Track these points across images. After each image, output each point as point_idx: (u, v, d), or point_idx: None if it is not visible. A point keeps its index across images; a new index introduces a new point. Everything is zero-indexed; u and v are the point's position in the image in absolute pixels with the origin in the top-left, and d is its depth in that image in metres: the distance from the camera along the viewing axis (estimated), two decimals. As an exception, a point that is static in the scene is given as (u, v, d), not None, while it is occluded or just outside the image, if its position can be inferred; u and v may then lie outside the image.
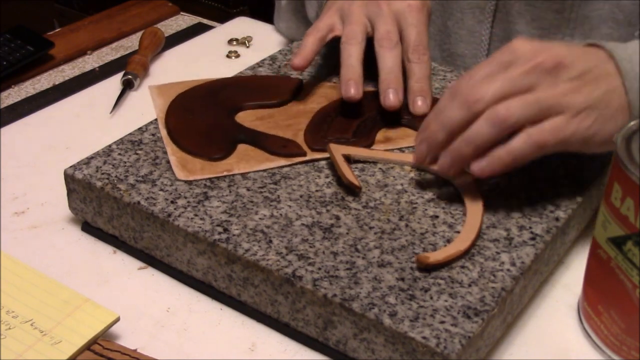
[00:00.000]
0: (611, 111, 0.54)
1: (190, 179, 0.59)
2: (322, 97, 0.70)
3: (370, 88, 0.72)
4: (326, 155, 0.62)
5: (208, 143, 0.63)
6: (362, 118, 0.66)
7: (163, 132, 0.64)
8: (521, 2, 0.79)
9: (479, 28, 0.82)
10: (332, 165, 0.60)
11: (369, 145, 0.64)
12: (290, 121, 0.66)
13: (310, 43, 0.70)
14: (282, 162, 0.61)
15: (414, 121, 0.66)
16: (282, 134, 0.64)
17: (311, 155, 0.62)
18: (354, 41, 0.69)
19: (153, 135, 0.65)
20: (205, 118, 0.66)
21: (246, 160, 0.61)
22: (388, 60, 0.67)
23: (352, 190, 0.58)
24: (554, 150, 0.53)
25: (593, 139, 0.54)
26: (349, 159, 0.60)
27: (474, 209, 0.55)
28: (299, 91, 0.71)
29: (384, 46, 0.67)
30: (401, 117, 0.67)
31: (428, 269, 0.51)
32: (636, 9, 0.75)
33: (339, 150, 0.60)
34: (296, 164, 0.61)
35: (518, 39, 0.55)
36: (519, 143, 0.53)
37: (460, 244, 0.52)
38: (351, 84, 0.66)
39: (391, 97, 0.65)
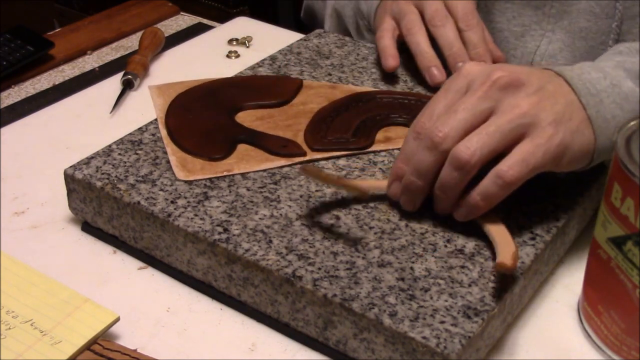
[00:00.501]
0: (575, 124, 0.53)
1: (190, 179, 0.59)
2: (321, 97, 0.70)
3: (369, 88, 0.72)
4: (326, 155, 0.62)
5: (208, 143, 0.63)
6: (362, 118, 0.66)
7: (163, 132, 0.64)
8: (501, 1, 0.80)
9: None
10: (318, 174, 0.56)
11: (368, 145, 0.63)
12: (290, 121, 0.66)
13: (390, 43, 0.73)
14: (282, 162, 0.61)
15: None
16: (282, 134, 0.64)
17: (311, 155, 0.62)
18: (414, 29, 0.72)
19: (153, 135, 0.65)
20: (205, 118, 0.66)
21: (246, 160, 0.61)
22: (445, 36, 0.71)
23: (359, 197, 0.57)
24: (526, 178, 0.52)
25: (564, 155, 0.53)
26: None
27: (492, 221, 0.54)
28: (299, 91, 0.71)
29: (436, 25, 0.71)
30: (400, 116, 0.67)
31: (511, 272, 0.49)
32: (612, 2, 0.77)
33: (316, 170, 0.56)
34: (296, 164, 0.61)
35: (468, 64, 0.55)
36: (490, 185, 0.51)
37: (507, 250, 0.50)
38: (433, 70, 0.70)
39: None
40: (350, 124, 0.66)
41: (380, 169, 0.61)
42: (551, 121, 0.52)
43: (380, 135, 0.65)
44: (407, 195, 0.55)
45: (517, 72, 0.53)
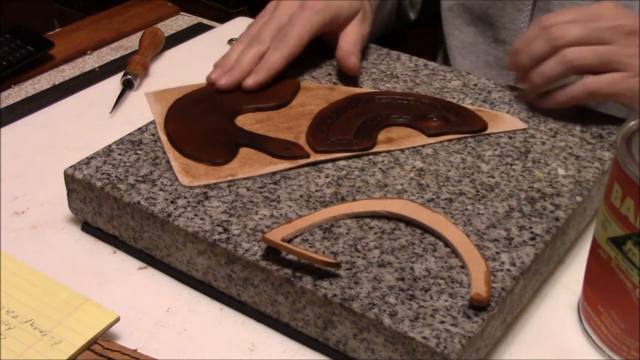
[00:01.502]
0: None
1: (194, 184, 0.58)
2: (320, 98, 0.70)
3: (368, 89, 0.72)
4: (330, 156, 0.62)
5: (210, 148, 0.62)
6: (363, 119, 0.66)
7: (163, 138, 0.64)
8: None
9: (518, 16, 0.85)
10: (329, 166, 0.59)
11: (371, 146, 0.63)
12: (290, 123, 0.66)
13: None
14: (286, 164, 0.61)
15: (415, 121, 0.66)
16: (283, 137, 0.64)
17: (315, 157, 0.62)
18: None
19: (153, 135, 0.65)
20: (205, 123, 0.66)
21: (249, 164, 0.61)
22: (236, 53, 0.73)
23: (331, 268, 0.51)
24: (605, 99, 0.64)
25: (636, 96, 0.63)
26: (289, 241, 0.53)
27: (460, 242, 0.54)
28: (297, 93, 0.71)
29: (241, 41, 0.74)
30: (400, 117, 0.67)
31: (487, 303, 0.48)
32: None
33: (277, 237, 0.52)
34: (300, 166, 0.61)
35: (604, 1, 0.65)
36: (575, 88, 0.64)
37: (478, 269, 0.51)
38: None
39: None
40: (351, 125, 0.66)
41: (380, 169, 0.61)
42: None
43: (382, 135, 0.65)
44: (515, 69, 0.68)
45: (636, 24, 0.64)
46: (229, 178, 0.59)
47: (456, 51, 0.91)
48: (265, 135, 0.64)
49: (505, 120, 0.67)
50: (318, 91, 0.71)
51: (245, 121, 0.67)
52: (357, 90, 0.71)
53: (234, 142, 0.63)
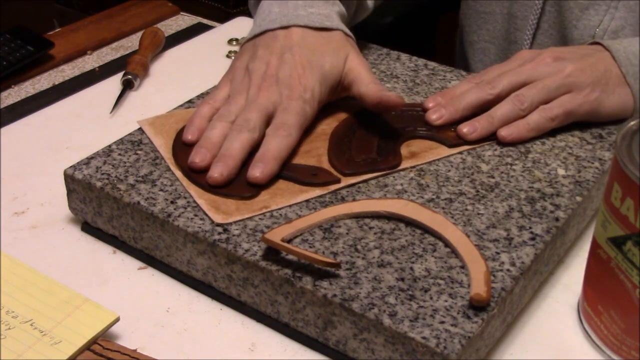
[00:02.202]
0: (611, 87, 0.66)
1: (229, 221, 0.55)
2: (329, 117, 0.67)
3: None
4: (361, 178, 0.59)
5: (233, 181, 0.58)
6: (380, 135, 0.64)
7: (178, 174, 0.60)
8: None
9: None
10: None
11: (397, 164, 0.61)
12: (306, 147, 0.63)
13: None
14: (318, 192, 0.58)
15: (434, 133, 0.65)
16: (304, 162, 0.61)
17: (346, 181, 0.59)
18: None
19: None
20: None
21: (280, 194, 0.58)
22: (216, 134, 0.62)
23: (331, 268, 0.51)
24: (565, 121, 0.65)
25: (599, 110, 0.66)
26: (289, 241, 0.53)
27: (459, 241, 0.54)
28: None
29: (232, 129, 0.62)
30: (415, 129, 0.65)
31: (487, 303, 0.48)
32: None
33: (277, 237, 0.52)
34: (332, 192, 0.58)
35: (522, 51, 0.70)
36: (535, 116, 0.64)
37: (478, 270, 0.51)
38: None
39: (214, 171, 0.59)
40: (370, 142, 0.63)
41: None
42: (589, 83, 0.65)
43: (404, 150, 0.63)
44: (438, 114, 0.66)
45: (563, 52, 0.68)
46: (263, 211, 0.56)
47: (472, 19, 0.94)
48: (286, 162, 0.61)
49: None
50: (324, 109, 0.68)
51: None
52: (360, 103, 0.68)
53: None
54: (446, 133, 0.65)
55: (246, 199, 0.57)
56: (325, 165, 0.61)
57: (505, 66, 0.69)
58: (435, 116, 0.66)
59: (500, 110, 0.65)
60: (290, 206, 0.57)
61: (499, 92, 0.65)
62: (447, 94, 0.68)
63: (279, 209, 0.56)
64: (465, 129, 0.64)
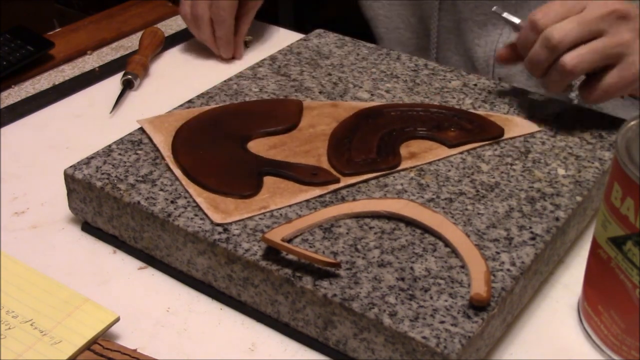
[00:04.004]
0: None
1: (228, 221, 0.55)
2: (327, 117, 0.67)
3: (369, 103, 0.72)
4: (359, 178, 0.59)
5: (233, 180, 0.59)
6: (380, 135, 0.64)
7: (177, 172, 0.60)
8: None
9: (429, 22, 0.87)
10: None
11: (397, 163, 0.61)
12: (306, 147, 0.63)
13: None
14: (317, 191, 0.58)
15: (434, 133, 0.65)
16: (304, 162, 0.61)
17: (345, 181, 0.59)
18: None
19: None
20: (218, 153, 0.62)
21: (280, 194, 0.58)
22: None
23: (331, 268, 0.51)
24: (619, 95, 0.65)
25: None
26: (289, 241, 0.54)
27: (459, 241, 0.54)
28: (302, 113, 0.68)
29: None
30: (415, 129, 0.65)
31: (487, 303, 0.49)
32: None
33: (277, 237, 0.52)
34: (332, 192, 0.58)
35: None
36: (583, 93, 0.65)
37: (478, 269, 0.51)
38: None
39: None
40: (370, 142, 0.63)
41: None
42: None
43: (403, 150, 0.63)
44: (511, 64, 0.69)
45: (630, 8, 0.64)
46: (262, 211, 0.56)
47: None
48: (286, 161, 0.61)
49: (519, 124, 0.67)
50: (323, 109, 0.68)
51: (259, 147, 0.63)
52: (360, 105, 0.69)
53: (256, 171, 0.60)
54: (446, 133, 0.65)
55: (245, 198, 0.57)
56: (325, 165, 0.61)
57: (563, 3, 0.65)
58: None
59: (550, 79, 0.65)
60: (290, 206, 0.57)
61: (557, 51, 0.63)
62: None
63: (279, 208, 0.56)
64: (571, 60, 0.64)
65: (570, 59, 0.62)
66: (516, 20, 0.69)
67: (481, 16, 0.85)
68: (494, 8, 0.70)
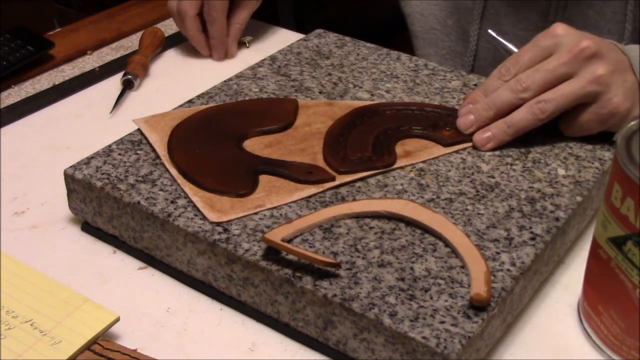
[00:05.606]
0: (636, 101, 0.63)
1: (224, 219, 0.55)
2: (323, 116, 0.67)
3: (364, 102, 0.72)
4: (355, 177, 0.60)
5: (229, 178, 0.59)
6: (375, 134, 0.64)
7: (173, 171, 0.60)
8: (507, 2, 0.80)
9: (468, 27, 0.84)
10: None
11: (392, 161, 0.61)
12: (301, 145, 0.63)
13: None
14: (313, 189, 0.58)
15: (429, 131, 0.65)
16: (299, 160, 0.61)
17: (340, 179, 0.59)
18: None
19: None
20: (214, 151, 0.62)
21: (275, 192, 0.58)
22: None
23: (331, 268, 0.51)
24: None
25: (615, 122, 0.63)
26: (289, 241, 0.54)
27: (460, 241, 0.54)
28: (297, 112, 0.68)
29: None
30: (410, 128, 0.65)
31: (487, 303, 0.49)
32: (616, 17, 0.76)
33: (277, 237, 0.53)
34: (327, 190, 0.59)
35: (558, 25, 0.63)
36: (586, 120, 0.63)
37: (478, 269, 0.51)
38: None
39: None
40: (365, 141, 0.63)
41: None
42: (619, 94, 0.61)
43: (398, 149, 0.63)
44: (474, 118, 0.64)
45: (602, 45, 0.62)
46: (258, 209, 0.56)
47: None
48: (281, 160, 0.61)
49: None
50: (318, 108, 0.68)
51: (254, 146, 0.63)
52: (355, 103, 0.69)
53: (252, 170, 0.60)
54: (441, 132, 0.65)
55: (241, 197, 0.57)
56: (321, 163, 0.61)
57: (530, 51, 0.64)
58: (464, 126, 0.65)
59: (519, 117, 0.63)
60: (290, 206, 0.57)
61: (530, 95, 0.62)
62: (477, 94, 0.66)
63: (277, 207, 0.57)
64: (480, 137, 0.63)
65: (543, 101, 0.61)
66: (514, 49, 0.68)
67: (523, 31, 0.82)
68: (489, 30, 0.69)
